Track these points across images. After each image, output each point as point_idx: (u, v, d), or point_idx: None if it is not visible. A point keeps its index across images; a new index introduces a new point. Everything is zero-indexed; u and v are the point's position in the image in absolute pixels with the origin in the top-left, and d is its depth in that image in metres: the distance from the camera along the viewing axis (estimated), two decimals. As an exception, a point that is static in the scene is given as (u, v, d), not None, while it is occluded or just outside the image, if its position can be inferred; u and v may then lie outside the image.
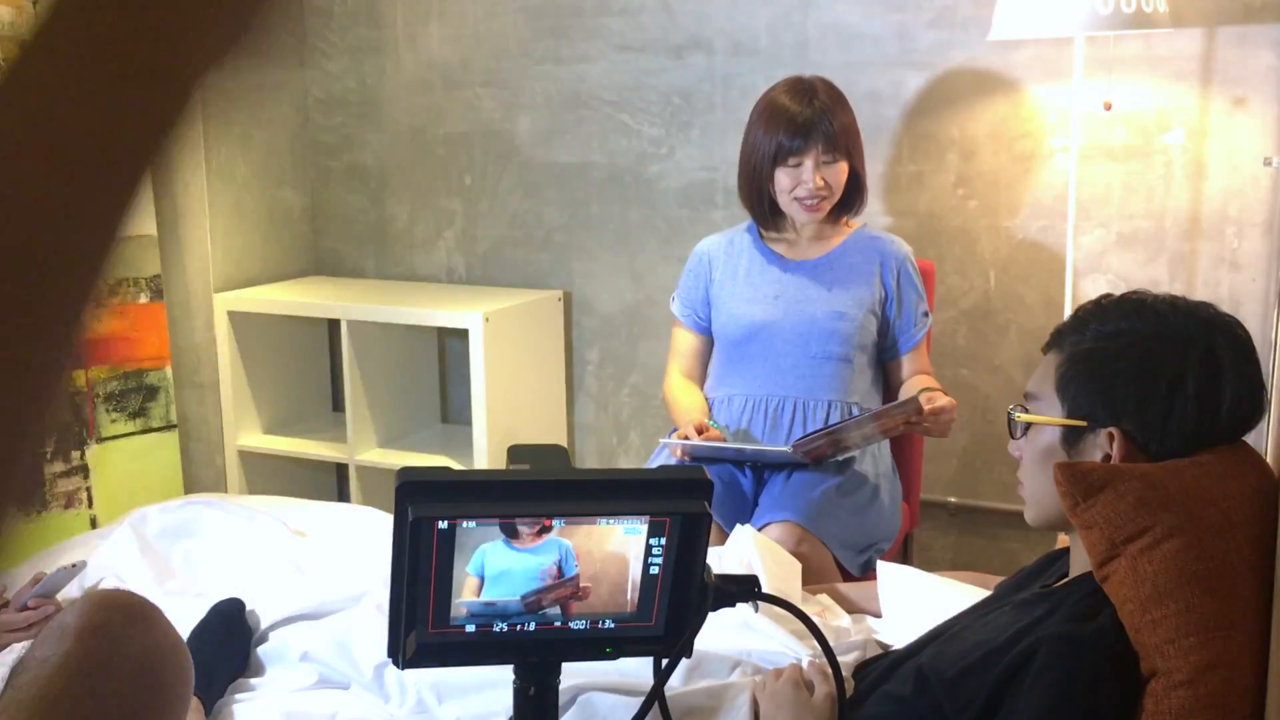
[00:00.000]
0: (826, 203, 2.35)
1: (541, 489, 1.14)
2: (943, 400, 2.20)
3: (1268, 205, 2.60)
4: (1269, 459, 1.47)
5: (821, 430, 2.20)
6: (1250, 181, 2.60)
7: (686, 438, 2.27)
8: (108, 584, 1.91)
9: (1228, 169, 2.62)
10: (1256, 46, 2.56)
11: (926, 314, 2.43)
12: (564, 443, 3.35)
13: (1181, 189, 2.66)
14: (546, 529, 1.13)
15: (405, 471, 1.09)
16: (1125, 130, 2.68)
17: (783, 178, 2.33)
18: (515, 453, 1.24)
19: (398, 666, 1.15)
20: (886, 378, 2.48)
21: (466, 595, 1.14)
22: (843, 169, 2.33)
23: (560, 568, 1.16)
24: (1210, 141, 2.62)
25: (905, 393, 2.39)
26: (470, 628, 1.15)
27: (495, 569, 1.14)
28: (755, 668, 1.55)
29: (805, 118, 2.28)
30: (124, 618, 1.08)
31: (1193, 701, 1.14)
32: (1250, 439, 1.35)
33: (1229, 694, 1.14)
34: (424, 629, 1.13)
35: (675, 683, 1.52)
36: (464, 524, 1.10)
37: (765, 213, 2.41)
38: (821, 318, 2.36)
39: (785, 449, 2.21)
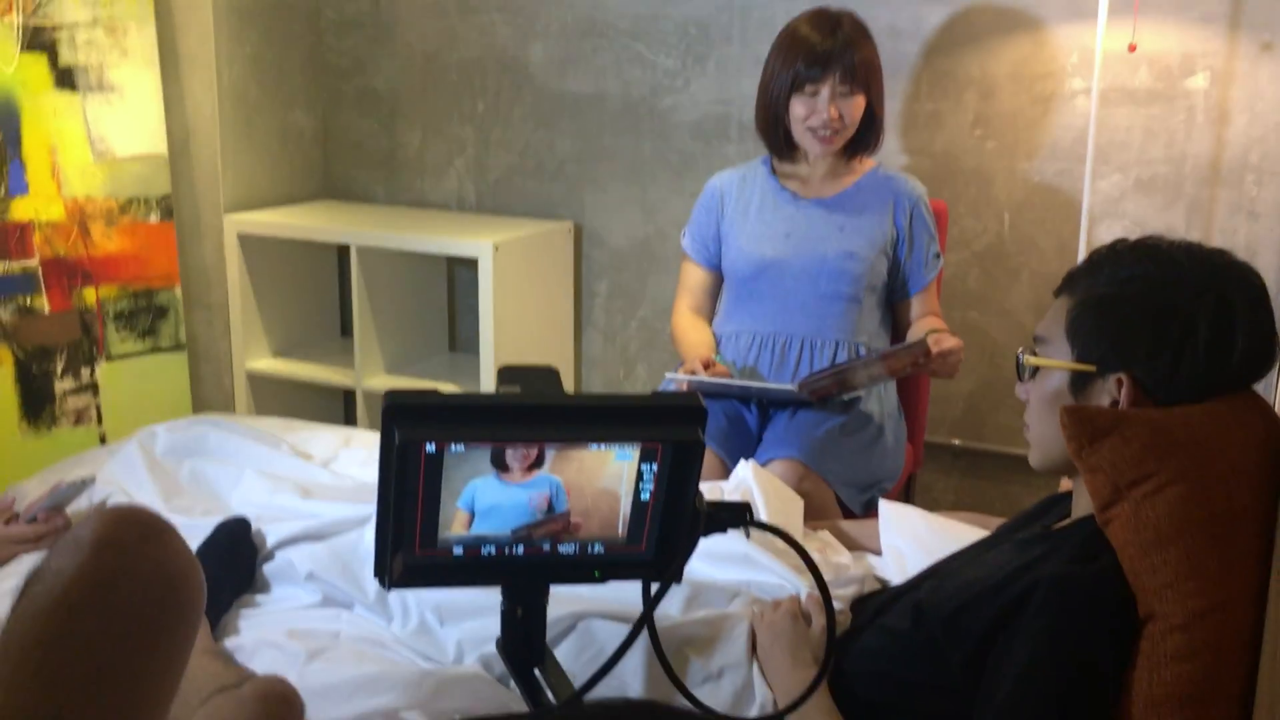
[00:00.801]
0: (840, 136, 2.32)
1: (532, 414, 1.12)
2: (950, 342, 2.20)
3: (1289, 154, 2.57)
4: (1278, 408, 1.46)
5: (828, 369, 2.20)
6: (1273, 129, 2.57)
7: (693, 373, 2.27)
8: (115, 500, 1.93)
9: (1251, 116, 2.58)
10: (1286, -9, 2.51)
11: (938, 256, 2.42)
12: (570, 375, 3.35)
13: (1203, 134, 2.63)
14: (538, 462, 1.12)
15: (392, 394, 1.06)
16: (1149, 73, 2.64)
17: (798, 107, 2.30)
18: (505, 373, 1.22)
19: (384, 587, 1.15)
20: (895, 318, 2.48)
21: (456, 529, 1.14)
22: (859, 103, 2.31)
23: (551, 503, 1.15)
24: (1235, 87, 2.59)
25: (913, 334, 2.38)
26: (458, 550, 1.15)
27: (485, 503, 1.13)
28: (754, 599, 1.56)
29: (825, 48, 2.25)
30: (139, 533, 1.09)
31: (1188, 646, 1.15)
32: (1258, 388, 1.35)
33: (1225, 639, 1.15)
34: (411, 551, 1.13)
35: (674, 612, 1.53)
36: (452, 447, 1.09)
37: (780, 144, 2.39)
38: (832, 257, 2.35)
39: (791, 387, 2.21)
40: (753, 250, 2.39)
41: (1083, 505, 1.35)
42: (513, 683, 1.34)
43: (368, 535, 1.71)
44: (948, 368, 2.21)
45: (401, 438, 1.06)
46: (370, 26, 3.42)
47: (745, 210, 2.44)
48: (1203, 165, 2.64)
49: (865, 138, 2.38)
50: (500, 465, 1.12)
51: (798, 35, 2.30)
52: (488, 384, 3.01)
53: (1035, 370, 1.39)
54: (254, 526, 1.77)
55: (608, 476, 1.15)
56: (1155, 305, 1.29)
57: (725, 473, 2.13)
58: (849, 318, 2.36)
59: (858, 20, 2.33)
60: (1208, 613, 1.15)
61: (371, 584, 1.63)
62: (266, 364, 3.28)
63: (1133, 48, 2.55)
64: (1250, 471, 1.23)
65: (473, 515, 1.14)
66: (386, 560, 1.14)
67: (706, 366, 2.27)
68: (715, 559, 1.65)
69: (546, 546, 1.17)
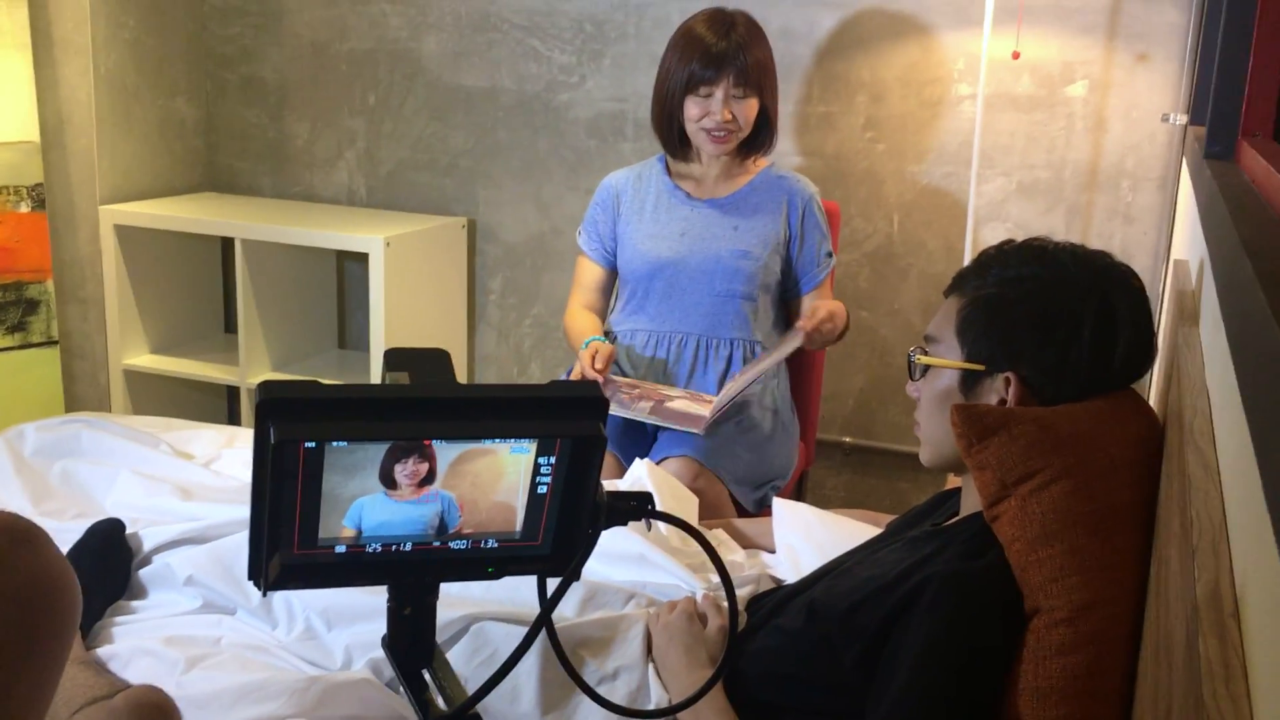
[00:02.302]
0: (734, 137, 2.33)
1: (421, 407, 1.05)
2: (821, 312, 2.24)
3: (1163, 161, 2.66)
4: (1153, 404, 1.51)
5: (728, 403, 2.22)
6: (1147, 137, 2.66)
7: (583, 376, 2.25)
8: (-20, 503, 1.83)
9: (1127, 123, 2.67)
10: (1162, 3, 2.60)
11: (830, 254, 2.44)
12: (464, 372, 3.31)
13: (1082, 141, 2.71)
14: (429, 479, 1.08)
15: (267, 387, 0.98)
16: (1031, 80, 2.71)
17: (692, 107, 2.31)
18: (392, 357, 1.16)
19: (260, 590, 1.09)
20: (789, 316, 2.50)
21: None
22: (753, 105, 2.32)
23: (443, 519, 1.11)
24: (1112, 96, 2.67)
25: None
26: (340, 548, 1.10)
27: (373, 521, 1.09)
28: (650, 600, 1.55)
29: (720, 49, 2.26)
30: (9, 540, 1.02)
31: (1072, 638, 1.17)
32: (1136, 386, 1.39)
33: (1108, 632, 1.17)
34: (289, 550, 1.08)
35: (569, 613, 1.52)
36: (333, 444, 1.04)
37: (675, 142, 2.39)
38: (726, 256, 2.36)
39: (698, 433, 2.18)
40: (648, 250, 2.39)
41: (971, 502, 1.37)
42: (403, 689, 1.30)
43: (251, 538, 1.65)
44: (825, 336, 2.27)
45: (278, 435, 0.98)
46: (256, 14, 3.32)
47: (640, 210, 2.43)
48: (1082, 171, 2.72)
49: (759, 138, 2.39)
50: (389, 483, 1.07)
51: (693, 35, 2.31)
52: (378, 382, 2.95)
53: (926, 369, 1.41)
54: (130, 530, 1.70)
55: (504, 490, 1.10)
56: (1042, 306, 1.32)
57: (621, 472, 2.13)
58: (744, 316, 2.37)
59: (752, 21, 2.34)
60: (1091, 606, 1.17)
61: (255, 588, 1.58)
62: (145, 360, 3.16)
63: (1016, 55, 2.62)
64: (1130, 467, 1.26)
65: (360, 532, 1.09)
66: (262, 562, 1.08)
67: (594, 354, 2.26)
68: (611, 559, 1.64)
69: (437, 543, 1.13)
